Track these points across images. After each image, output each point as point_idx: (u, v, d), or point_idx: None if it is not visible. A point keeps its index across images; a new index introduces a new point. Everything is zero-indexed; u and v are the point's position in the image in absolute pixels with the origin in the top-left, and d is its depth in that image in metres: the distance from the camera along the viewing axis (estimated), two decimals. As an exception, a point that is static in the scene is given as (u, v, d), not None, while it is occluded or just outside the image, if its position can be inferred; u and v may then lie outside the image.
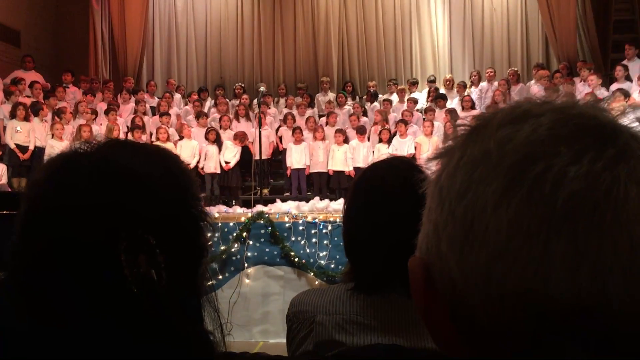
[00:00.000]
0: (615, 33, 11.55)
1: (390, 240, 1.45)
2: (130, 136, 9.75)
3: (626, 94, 8.67)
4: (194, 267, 0.77)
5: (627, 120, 0.48)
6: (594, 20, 11.20)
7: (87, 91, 10.94)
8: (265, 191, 9.84)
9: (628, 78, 9.53)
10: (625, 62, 10.00)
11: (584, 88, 9.73)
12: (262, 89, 9.83)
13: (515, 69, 11.40)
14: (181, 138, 9.89)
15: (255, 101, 9.95)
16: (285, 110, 11.05)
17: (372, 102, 11.42)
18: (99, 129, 9.81)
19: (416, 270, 0.51)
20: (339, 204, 6.43)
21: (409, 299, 1.45)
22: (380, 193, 1.48)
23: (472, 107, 10.34)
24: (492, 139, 0.46)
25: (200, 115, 10.40)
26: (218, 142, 9.75)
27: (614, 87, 9.25)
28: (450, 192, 0.47)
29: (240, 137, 9.84)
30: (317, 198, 6.87)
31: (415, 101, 10.82)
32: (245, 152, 10.05)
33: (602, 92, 9.26)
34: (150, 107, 11.07)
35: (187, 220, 0.77)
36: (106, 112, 10.08)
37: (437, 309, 0.48)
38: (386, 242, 1.45)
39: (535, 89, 10.38)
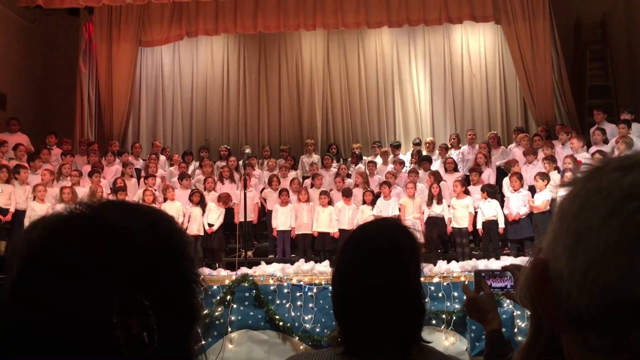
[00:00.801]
0: (591, 98, 11.94)
1: (379, 302, 1.44)
2: (113, 198, 9.69)
3: (605, 155, 8.88)
4: (185, 330, 0.76)
5: None
6: (569, 85, 11.59)
7: (67, 152, 10.92)
8: (250, 253, 9.75)
9: (605, 141, 9.77)
10: (596, 126, 10.29)
11: (563, 151, 9.96)
12: (247, 150, 9.91)
13: (495, 132, 11.66)
14: (165, 200, 9.86)
15: (240, 163, 10.00)
16: (268, 173, 11.11)
17: (356, 164, 11.54)
18: (83, 191, 9.75)
19: (538, 266, 0.65)
20: (325, 266, 6.38)
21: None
22: (369, 254, 1.48)
23: (455, 169, 10.49)
24: (605, 179, 0.61)
25: (183, 176, 10.41)
26: (202, 203, 9.72)
27: (593, 149, 9.47)
28: (569, 213, 0.63)
29: (223, 199, 9.83)
30: (302, 260, 6.82)
31: (402, 162, 10.95)
32: (229, 214, 10.01)
33: (583, 155, 9.46)
34: (135, 169, 11.06)
35: (181, 282, 0.76)
36: (90, 174, 10.05)
37: (549, 296, 0.64)
38: (376, 304, 1.44)
39: (517, 151, 10.60)
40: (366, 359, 1.44)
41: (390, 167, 10.96)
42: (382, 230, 1.55)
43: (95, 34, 12.23)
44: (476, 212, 9.18)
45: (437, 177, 9.78)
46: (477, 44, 13.04)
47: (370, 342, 1.44)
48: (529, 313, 1.86)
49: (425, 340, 1.52)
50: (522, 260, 6.37)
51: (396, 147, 11.93)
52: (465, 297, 1.99)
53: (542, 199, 8.77)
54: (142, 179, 10.64)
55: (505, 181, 9.57)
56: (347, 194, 9.76)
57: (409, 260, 1.50)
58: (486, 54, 13.02)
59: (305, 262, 6.61)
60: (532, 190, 9.16)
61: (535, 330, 1.33)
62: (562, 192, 0.68)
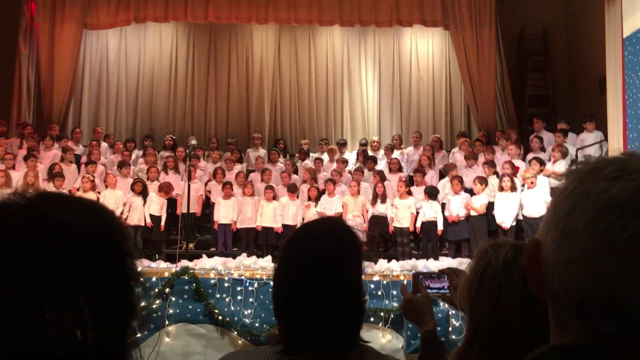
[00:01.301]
0: (531, 107, 12.39)
1: (320, 301, 1.46)
2: (50, 184, 9.39)
3: (541, 162, 9.24)
4: (122, 328, 0.74)
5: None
6: (511, 94, 11.98)
7: (1, 134, 10.47)
8: (191, 245, 9.63)
9: (543, 149, 10.16)
10: (535, 134, 10.69)
11: (503, 156, 10.29)
12: (193, 142, 9.76)
13: (439, 136, 11.93)
14: (106, 188, 9.61)
15: (186, 153, 9.85)
16: (213, 165, 10.98)
17: (304, 160, 11.56)
18: (19, 175, 9.40)
19: (533, 244, 0.75)
20: (267, 261, 6.38)
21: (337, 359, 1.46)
22: (311, 254, 1.49)
23: (399, 169, 10.68)
24: (595, 186, 0.69)
25: (123, 164, 10.14)
26: (144, 193, 9.52)
27: (530, 156, 9.83)
28: (561, 210, 0.72)
29: (165, 189, 9.66)
30: (244, 255, 6.79)
31: (344, 161, 11.05)
32: (171, 205, 9.86)
33: (519, 162, 9.80)
34: (75, 154, 10.72)
35: (119, 278, 0.75)
36: (25, 158, 9.67)
37: (538, 270, 0.74)
38: (316, 303, 1.46)
39: (459, 155, 10.89)
40: (304, 357, 1.45)
41: (335, 165, 11.05)
42: (325, 229, 1.56)
43: (37, 13, 11.74)
44: (418, 213, 9.37)
45: (382, 177, 9.93)
46: (425, 48, 13.29)
47: (309, 341, 1.45)
48: (462, 314, 1.92)
49: (363, 339, 1.55)
50: (459, 263, 6.56)
51: (342, 145, 12.03)
52: (402, 298, 2.03)
53: (480, 203, 9.05)
54: (82, 166, 10.33)
55: (442, 183, 9.82)
56: (292, 189, 9.77)
57: (351, 260, 1.52)
58: (434, 58, 13.29)
59: (248, 256, 6.58)
60: (472, 193, 9.43)
61: (471, 335, 1.38)
62: (558, 183, 0.80)
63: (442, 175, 10.48)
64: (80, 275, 0.70)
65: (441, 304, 5.79)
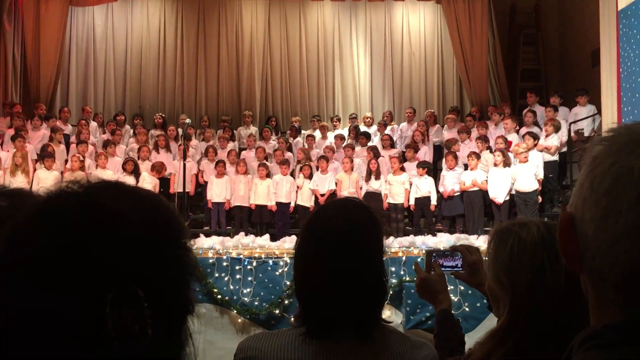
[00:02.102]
0: (523, 81, 12.37)
1: (342, 283, 1.44)
2: (40, 165, 9.28)
3: (535, 137, 9.25)
4: (179, 322, 0.73)
5: None
6: (504, 68, 11.95)
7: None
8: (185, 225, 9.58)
9: (536, 123, 10.17)
10: (528, 108, 10.69)
11: (496, 131, 10.29)
12: (187, 120, 9.64)
13: (432, 111, 11.89)
14: (96, 168, 9.52)
15: (179, 132, 9.74)
16: (205, 143, 10.90)
17: (295, 138, 11.49)
18: (7, 155, 9.27)
19: (566, 218, 0.73)
20: (265, 240, 6.37)
21: (362, 344, 1.44)
22: (331, 236, 1.48)
23: (392, 145, 10.65)
24: (636, 162, 0.66)
25: (107, 143, 10.02)
26: (136, 173, 9.44)
27: (523, 130, 9.84)
28: (600, 187, 0.69)
29: (157, 168, 9.59)
30: (242, 234, 6.78)
31: (342, 137, 10.98)
32: (164, 185, 9.79)
33: (513, 136, 9.80)
34: (64, 134, 10.58)
35: (177, 272, 0.73)
36: (12, 139, 9.53)
37: (573, 246, 0.73)
38: (338, 285, 1.44)
39: (446, 132, 10.88)
40: (328, 340, 1.44)
41: (329, 141, 10.99)
42: (344, 211, 1.54)
43: (21, -10, 11.49)
44: (411, 188, 9.38)
45: (375, 153, 9.90)
46: (417, 23, 13.18)
47: (332, 324, 1.44)
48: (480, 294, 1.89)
49: (385, 320, 1.53)
50: (457, 238, 6.59)
51: (338, 120, 12.00)
52: (416, 277, 2.02)
53: (480, 179, 9.03)
54: (71, 145, 10.21)
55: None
56: (284, 162, 9.73)
57: (371, 240, 1.50)
58: (426, 32, 13.18)
59: (245, 235, 6.58)
60: (465, 168, 9.44)
61: (511, 317, 1.35)
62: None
63: (436, 151, 10.48)
64: (139, 269, 0.68)
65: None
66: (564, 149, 9.62)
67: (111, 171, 9.46)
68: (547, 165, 9.16)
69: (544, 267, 1.31)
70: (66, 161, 9.85)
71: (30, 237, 0.66)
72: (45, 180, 8.99)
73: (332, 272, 1.44)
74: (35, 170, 9.27)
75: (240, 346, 1.53)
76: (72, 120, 11.56)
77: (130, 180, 9.28)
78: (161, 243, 0.71)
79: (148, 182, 9.45)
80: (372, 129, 11.54)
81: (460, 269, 1.98)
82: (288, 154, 10.52)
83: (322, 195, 9.49)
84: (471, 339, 1.92)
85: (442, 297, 1.95)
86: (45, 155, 9.23)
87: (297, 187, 9.62)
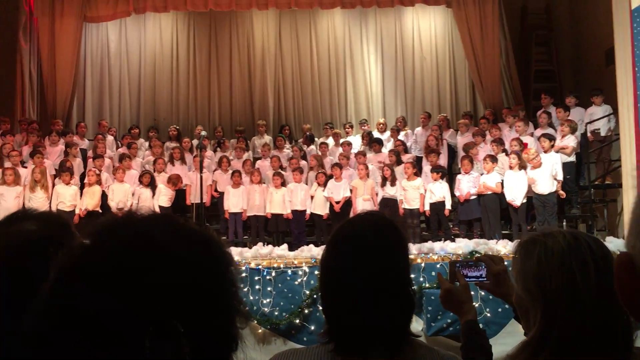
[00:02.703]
0: (536, 82, 12.29)
1: (370, 299, 1.45)
2: (58, 180, 9.39)
3: (551, 138, 9.19)
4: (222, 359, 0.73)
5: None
6: (516, 69, 11.89)
7: (6, 132, 10.45)
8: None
9: (550, 125, 10.11)
10: (543, 109, 10.63)
11: (510, 133, 10.24)
12: (202, 133, 9.71)
13: (445, 115, 11.86)
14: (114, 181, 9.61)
15: (194, 144, 9.79)
16: (220, 153, 10.95)
17: (308, 146, 11.52)
18: (26, 171, 9.39)
19: (625, 259, 0.71)
20: (283, 250, 6.38)
21: (392, 359, 1.44)
22: (358, 251, 1.48)
23: (406, 151, 10.63)
24: None
25: (123, 157, 10.12)
26: (152, 185, 9.51)
27: (538, 132, 9.78)
28: None
29: (173, 180, 9.65)
30: (260, 244, 6.80)
31: (349, 144, 10.98)
32: (180, 196, 9.85)
33: (528, 138, 9.75)
34: (80, 149, 10.71)
35: (223, 309, 0.73)
36: (31, 155, 9.66)
37: (634, 285, 0.69)
38: (366, 301, 1.44)
39: (459, 138, 10.84)
40: (357, 356, 1.44)
41: (342, 149, 11.01)
42: (371, 225, 1.55)
43: (36, 7, 11.64)
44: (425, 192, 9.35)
45: (398, 158, 9.88)
46: (428, 27, 13.17)
47: (361, 340, 1.44)
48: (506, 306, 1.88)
49: (413, 334, 1.53)
50: (475, 243, 6.55)
51: (351, 126, 12.03)
52: (440, 288, 2.01)
53: (494, 182, 8.99)
54: (89, 160, 10.32)
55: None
56: (297, 170, 9.76)
57: (398, 255, 1.51)
58: (437, 37, 13.17)
59: (263, 245, 6.60)
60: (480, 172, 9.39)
61: (544, 327, 1.35)
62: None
63: (452, 155, 10.44)
64: (182, 304, 0.68)
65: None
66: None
67: (128, 184, 9.54)
68: (564, 166, 9.09)
69: (574, 275, 1.30)
70: (83, 175, 9.96)
71: (82, 265, 0.68)
72: (63, 195, 9.10)
73: (361, 287, 1.44)
74: (54, 185, 9.38)
75: (271, 363, 1.54)
76: (89, 135, 11.70)
77: (146, 192, 9.36)
78: (207, 279, 0.71)
79: (164, 194, 9.52)
80: (385, 135, 11.53)
81: (485, 279, 1.98)
82: (302, 162, 10.55)
83: (337, 202, 9.49)
84: (493, 345, 1.92)
85: (467, 308, 1.94)
86: (62, 171, 9.34)
87: (311, 196, 9.64)
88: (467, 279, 1.99)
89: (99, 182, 9.31)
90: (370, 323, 1.44)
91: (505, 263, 1.99)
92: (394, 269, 1.49)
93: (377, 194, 9.55)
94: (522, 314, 1.47)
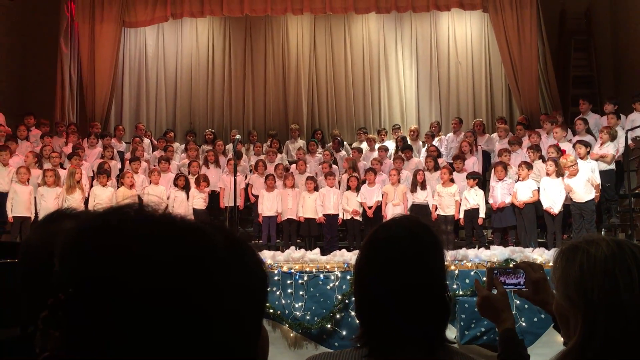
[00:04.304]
0: (574, 88, 12.05)
1: (406, 303, 1.42)
2: (95, 181, 9.59)
3: (586, 145, 8.99)
4: None
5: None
6: (554, 75, 11.67)
7: (45, 134, 10.72)
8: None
9: (588, 131, 9.89)
10: (581, 116, 10.40)
11: (548, 140, 10.05)
12: (237, 136, 9.79)
13: (481, 120, 11.70)
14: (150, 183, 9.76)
15: (229, 148, 9.86)
16: (255, 157, 11.03)
17: (338, 151, 11.51)
18: (64, 173, 9.61)
19: None
20: (315, 254, 6.38)
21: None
22: (395, 255, 1.46)
23: (439, 156, 10.53)
24: None
25: (161, 160, 10.28)
26: (187, 188, 9.63)
27: (574, 140, 9.57)
28: None
29: (201, 181, 9.71)
30: (292, 248, 6.81)
31: (386, 149, 10.95)
32: (214, 199, 9.94)
33: (566, 145, 9.55)
34: (118, 151, 10.91)
35: (252, 323, 0.73)
36: (69, 157, 9.89)
37: None
38: (402, 305, 1.42)
39: (497, 143, 10.67)
40: (391, 360, 1.42)
41: (376, 154, 10.98)
42: (407, 229, 1.53)
43: (77, 13, 11.96)
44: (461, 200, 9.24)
45: (435, 163, 9.80)
46: (463, 32, 13.05)
47: (395, 344, 1.42)
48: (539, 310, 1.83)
49: (449, 341, 1.51)
50: (511, 251, 6.44)
51: (385, 132, 12.00)
52: (477, 295, 1.97)
53: (530, 189, 8.82)
54: (126, 162, 10.51)
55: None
56: (330, 175, 9.76)
57: (434, 260, 1.49)
58: (472, 41, 13.03)
59: (296, 249, 6.61)
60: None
61: (585, 335, 1.31)
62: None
63: (486, 161, 10.29)
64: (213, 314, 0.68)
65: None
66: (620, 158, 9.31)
67: (164, 187, 9.68)
68: (604, 174, 8.87)
69: (617, 282, 1.27)
70: (119, 177, 10.15)
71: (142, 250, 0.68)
72: (100, 196, 9.28)
73: (397, 291, 1.42)
74: (91, 187, 9.58)
75: (304, 367, 1.53)
76: (127, 138, 11.92)
77: (181, 195, 9.48)
78: (241, 292, 0.71)
79: (198, 197, 9.62)
80: (419, 143, 11.46)
81: (523, 286, 1.93)
82: (334, 167, 10.55)
83: (370, 207, 9.45)
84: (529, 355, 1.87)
85: (505, 316, 1.89)
86: (100, 173, 9.54)
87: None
88: (505, 287, 1.94)
89: (132, 186, 9.47)
90: (405, 328, 1.42)
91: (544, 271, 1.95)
92: (430, 273, 1.47)
93: (407, 200, 9.48)
94: (562, 323, 1.43)
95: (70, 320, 0.64)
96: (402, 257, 1.45)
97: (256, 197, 9.97)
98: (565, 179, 8.65)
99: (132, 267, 0.64)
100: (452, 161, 10.18)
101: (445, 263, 1.56)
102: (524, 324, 5.72)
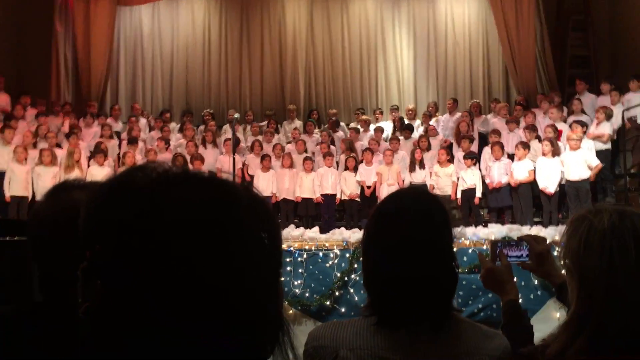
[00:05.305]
0: (571, 68, 12.04)
1: (414, 272, 1.44)
2: (93, 161, 9.57)
3: (583, 125, 9.02)
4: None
5: None
6: (552, 55, 11.65)
7: (41, 113, 10.66)
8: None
9: (583, 111, 9.91)
10: (577, 96, 10.42)
11: (545, 120, 10.07)
12: (235, 115, 9.76)
13: (478, 101, 11.70)
14: (146, 164, 9.73)
15: (227, 127, 9.81)
16: (252, 137, 11.01)
17: (334, 131, 11.50)
18: (61, 152, 9.59)
19: None
20: (314, 232, 6.43)
21: (435, 333, 1.45)
22: (403, 224, 1.47)
23: (435, 135, 10.56)
24: None
25: (159, 139, 10.26)
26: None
27: (571, 119, 9.60)
28: None
29: (194, 161, 9.70)
30: (292, 226, 6.85)
31: (381, 130, 10.96)
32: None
33: (562, 125, 9.58)
34: (115, 131, 10.87)
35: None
36: (67, 136, 9.86)
37: None
38: (410, 274, 1.44)
39: (496, 121, 10.68)
40: (400, 329, 1.45)
41: (369, 135, 10.99)
42: (415, 199, 1.54)
43: (71, -9, 11.83)
44: (458, 180, 9.27)
45: (429, 143, 9.81)
46: (461, 12, 12.97)
47: (404, 313, 1.44)
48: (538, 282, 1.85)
49: (455, 308, 1.53)
50: (509, 229, 6.50)
51: (381, 112, 11.97)
52: (482, 267, 2.00)
53: (527, 169, 8.86)
54: (123, 142, 10.48)
55: (486, 150, 9.65)
56: (328, 154, 9.77)
57: (443, 229, 1.50)
58: (470, 22, 12.96)
59: (296, 227, 6.66)
60: (512, 158, 9.26)
61: (580, 307, 1.33)
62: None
63: (482, 142, 10.31)
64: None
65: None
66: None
67: (161, 167, 9.65)
68: (600, 154, 8.92)
69: (612, 256, 1.28)
70: (118, 156, 10.12)
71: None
72: (97, 176, 9.24)
73: (405, 260, 1.44)
74: (89, 166, 9.56)
75: (312, 334, 1.54)
76: (123, 117, 11.87)
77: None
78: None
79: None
80: (416, 123, 11.46)
81: (527, 259, 1.96)
82: (332, 147, 10.55)
83: (368, 187, 9.48)
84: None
85: (509, 288, 1.92)
86: (97, 152, 9.51)
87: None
88: (509, 259, 1.97)
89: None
90: (414, 296, 1.44)
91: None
92: (438, 242, 1.48)
93: (403, 180, 9.50)
94: (570, 291, 1.46)
95: (110, 268, 0.66)
96: (411, 226, 1.46)
97: (252, 177, 9.97)
98: (563, 154, 8.69)
99: (163, 219, 0.68)
100: (452, 141, 10.20)
101: (454, 236, 1.58)
102: (520, 301, 5.77)
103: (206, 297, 0.67)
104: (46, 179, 8.96)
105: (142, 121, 11.52)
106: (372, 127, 11.39)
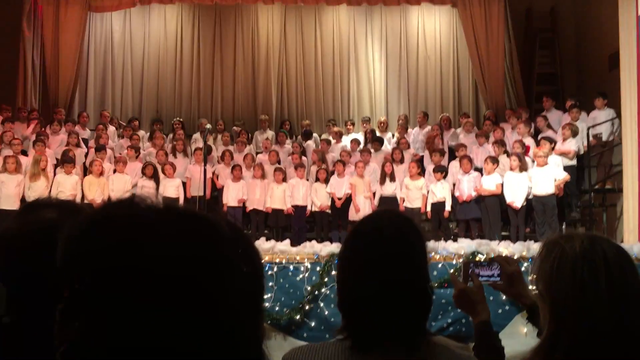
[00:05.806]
0: (539, 84, 12.31)
1: (389, 296, 1.44)
2: (60, 169, 9.37)
3: (551, 141, 9.21)
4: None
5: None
6: (520, 71, 11.90)
7: (7, 119, 10.41)
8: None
9: (549, 127, 10.12)
10: (544, 113, 10.65)
11: (513, 135, 10.25)
12: (207, 126, 9.69)
13: (447, 115, 11.86)
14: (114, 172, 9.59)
15: (198, 137, 9.73)
16: (223, 147, 10.93)
17: (305, 141, 11.51)
18: (27, 160, 9.37)
19: None
20: (285, 245, 6.39)
21: (409, 358, 1.45)
22: (379, 247, 1.47)
23: (408, 148, 10.66)
24: None
25: (128, 148, 10.14)
26: (156, 177, 9.49)
27: (540, 136, 9.79)
28: None
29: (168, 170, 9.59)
30: (262, 239, 6.80)
31: (358, 142, 11.00)
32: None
33: (530, 140, 9.76)
34: (82, 139, 10.69)
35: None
36: (33, 143, 9.64)
37: None
38: (385, 298, 1.44)
39: (462, 136, 10.83)
40: (374, 353, 1.44)
41: (344, 144, 11.02)
42: (391, 222, 1.54)
43: (41, -5, 11.62)
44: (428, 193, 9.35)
45: (402, 155, 9.89)
46: (433, 27, 13.16)
47: (379, 337, 1.44)
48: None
49: (429, 332, 1.53)
50: (478, 244, 6.56)
51: (352, 124, 12.04)
52: (454, 288, 2.01)
53: (494, 183, 8.99)
54: (90, 150, 10.30)
55: (454, 164, 9.78)
56: (300, 166, 9.76)
57: (417, 251, 1.51)
58: (441, 36, 13.16)
59: (266, 240, 6.61)
60: (481, 172, 9.39)
61: (553, 336, 1.34)
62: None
63: (451, 155, 10.45)
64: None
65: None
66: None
67: (129, 176, 9.52)
68: (566, 169, 9.11)
69: (583, 282, 1.30)
70: (84, 165, 9.94)
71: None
72: (63, 184, 9.08)
73: (379, 282, 1.44)
74: (55, 174, 9.36)
75: (285, 359, 1.54)
76: (91, 125, 11.67)
77: (150, 184, 9.34)
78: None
79: (170, 185, 9.47)
80: (388, 135, 11.55)
81: (498, 278, 1.98)
82: (303, 158, 10.55)
83: (339, 199, 9.50)
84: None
85: (480, 308, 1.93)
86: (65, 160, 9.32)
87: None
88: (481, 279, 1.99)
89: (102, 174, 9.29)
90: (388, 319, 1.43)
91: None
92: (412, 265, 1.48)
93: (374, 193, 9.54)
94: (542, 315, 1.47)
95: (90, 309, 0.65)
96: (385, 248, 1.46)
97: (222, 187, 9.90)
98: (530, 169, 8.85)
99: (147, 257, 0.67)
100: (425, 155, 10.31)
101: (429, 259, 1.58)
102: (488, 315, 5.83)
103: (191, 338, 0.66)
104: (10, 186, 8.75)
105: (111, 129, 11.35)
106: (344, 138, 11.44)
